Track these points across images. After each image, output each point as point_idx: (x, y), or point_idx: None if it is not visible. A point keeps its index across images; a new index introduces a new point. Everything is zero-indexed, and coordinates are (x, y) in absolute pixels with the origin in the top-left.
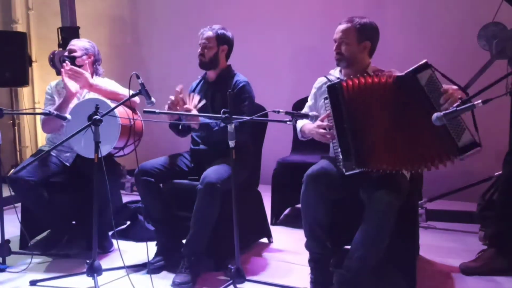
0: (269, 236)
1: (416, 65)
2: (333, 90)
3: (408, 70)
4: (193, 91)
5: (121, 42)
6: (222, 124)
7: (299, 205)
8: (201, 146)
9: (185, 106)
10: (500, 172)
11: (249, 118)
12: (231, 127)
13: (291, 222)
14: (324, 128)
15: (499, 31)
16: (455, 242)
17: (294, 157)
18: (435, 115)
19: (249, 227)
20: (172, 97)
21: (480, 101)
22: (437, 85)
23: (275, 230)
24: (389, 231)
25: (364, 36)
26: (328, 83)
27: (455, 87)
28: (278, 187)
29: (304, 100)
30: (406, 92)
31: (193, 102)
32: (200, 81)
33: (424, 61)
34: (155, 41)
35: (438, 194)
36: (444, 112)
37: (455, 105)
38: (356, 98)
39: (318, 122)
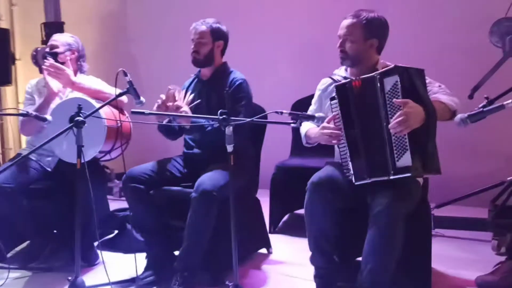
0: (268, 246)
1: (385, 68)
2: (343, 91)
3: (377, 71)
4: (186, 90)
5: (109, 39)
6: (216, 125)
7: (298, 211)
8: (195, 150)
9: (175, 103)
10: None
11: (249, 119)
12: (229, 130)
13: (291, 229)
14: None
15: None
16: (466, 252)
17: (294, 160)
18: (458, 116)
19: (247, 237)
20: (163, 96)
21: (510, 101)
22: (398, 95)
23: (274, 239)
24: (399, 239)
25: (371, 33)
26: (336, 83)
27: (411, 109)
28: (277, 192)
29: (304, 100)
30: (371, 94)
31: (186, 100)
32: (193, 79)
33: (392, 65)
34: (145, 37)
35: (445, 199)
36: (469, 113)
37: (480, 105)
38: (367, 100)
39: (324, 124)
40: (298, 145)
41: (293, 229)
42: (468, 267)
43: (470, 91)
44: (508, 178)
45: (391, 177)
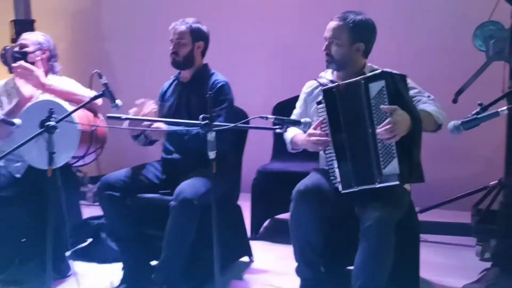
0: (250, 254)
1: (371, 73)
2: (330, 95)
3: (362, 76)
4: (165, 93)
5: (83, 37)
6: (194, 131)
7: (279, 216)
8: (175, 155)
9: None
10: (496, 181)
11: (233, 125)
12: (211, 136)
13: (272, 235)
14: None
15: (496, 30)
16: (450, 258)
17: (275, 165)
18: (452, 123)
19: (228, 246)
20: (133, 110)
21: (505, 108)
22: (384, 101)
23: (255, 246)
24: (390, 253)
25: (358, 36)
26: (324, 87)
27: (397, 115)
28: (258, 198)
29: (286, 102)
30: (356, 99)
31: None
32: (172, 81)
33: (380, 70)
34: (121, 35)
35: (427, 204)
36: (463, 120)
37: (474, 111)
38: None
39: (310, 130)
40: (279, 149)
41: (275, 235)
42: (454, 274)
43: (454, 95)
44: (491, 183)
45: (378, 185)
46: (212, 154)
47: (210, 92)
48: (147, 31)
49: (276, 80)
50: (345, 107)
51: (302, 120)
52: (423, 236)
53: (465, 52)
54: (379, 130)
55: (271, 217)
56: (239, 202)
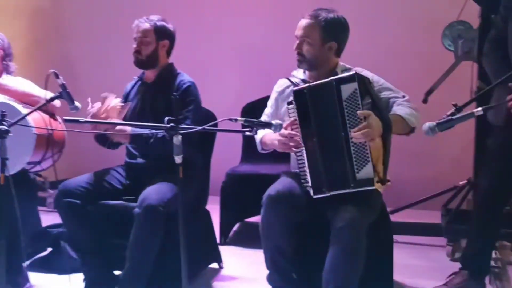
0: (219, 261)
1: (343, 75)
2: (300, 96)
3: (333, 77)
4: (128, 94)
5: (41, 36)
6: (159, 134)
7: (249, 219)
8: (139, 160)
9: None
10: (465, 181)
11: (200, 128)
12: (177, 139)
13: (242, 240)
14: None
15: (465, 30)
16: (421, 259)
17: (245, 167)
18: (426, 124)
19: (196, 253)
20: (97, 105)
21: (480, 108)
22: (357, 104)
23: (225, 252)
24: (362, 255)
25: (330, 35)
26: (295, 87)
27: (372, 119)
28: (228, 201)
29: (255, 103)
30: (328, 101)
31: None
32: (136, 82)
33: (352, 72)
34: (82, 35)
35: (398, 205)
36: (438, 121)
37: (449, 112)
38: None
39: (282, 131)
40: (249, 151)
41: (245, 239)
42: (425, 275)
43: (423, 95)
44: (460, 183)
45: (352, 190)
46: (178, 159)
47: (175, 94)
48: (111, 30)
49: (246, 80)
50: (316, 109)
51: (273, 122)
52: (394, 237)
53: (435, 52)
54: (354, 133)
55: (241, 221)
56: (208, 206)
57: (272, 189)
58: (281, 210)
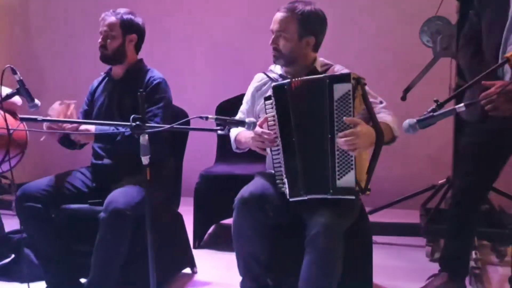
0: (192, 265)
1: (338, 73)
2: (280, 92)
3: (326, 75)
4: (95, 91)
5: (8, 34)
6: (127, 132)
7: (224, 221)
8: (105, 161)
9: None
10: (443, 180)
11: (168, 126)
12: (144, 139)
13: (217, 243)
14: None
15: (443, 26)
16: (401, 260)
17: (220, 167)
18: (407, 122)
19: (168, 258)
20: (56, 106)
21: (462, 104)
22: (349, 107)
23: (199, 256)
24: (339, 262)
25: (307, 29)
26: (274, 83)
27: (361, 128)
28: (202, 203)
29: (230, 101)
30: (316, 99)
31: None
32: (103, 78)
33: (348, 71)
34: (51, 32)
35: (376, 205)
36: (418, 118)
37: (429, 109)
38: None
39: (256, 129)
40: (224, 150)
41: (220, 242)
42: (405, 277)
43: (402, 93)
44: (439, 182)
45: (329, 197)
46: (145, 160)
47: (141, 90)
48: (78, 26)
49: (220, 77)
50: (299, 106)
51: (247, 120)
52: (373, 238)
53: (412, 49)
54: (338, 139)
55: (216, 223)
56: (182, 208)
57: (244, 191)
58: (253, 213)
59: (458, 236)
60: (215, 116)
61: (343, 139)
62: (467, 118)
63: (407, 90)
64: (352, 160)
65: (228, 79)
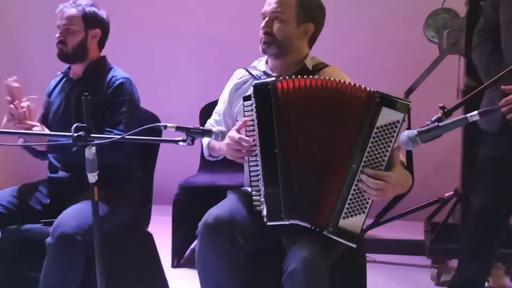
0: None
1: (393, 96)
2: (263, 93)
3: (377, 91)
4: (51, 93)
5: None
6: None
7: None
8: (61, 173)
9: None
10: (451, 193)
11: (119, 137)
12: (90, 152)
13: None
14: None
15: (450, 19)
16: (402, 283)
17: (202, 177)
18: (405, 134)
19: (136, 283)
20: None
21: (475, 112)
22: (389, 140)
23: (177, 276)
24: None
25: (307, 15)
26: (255, 81)
27: (398, 175)
28: (181, 218)
29: (215, 104)
30: (348, 116)
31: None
32: (61, 78)
33: (407, 101)
34: (33, 29)
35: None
36: (420, 129)
37: (434, 118)
38: (299, 110)
39: (232, 133)
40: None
41: None
42: None
43: (403, 95)
44: (446, 194)
45: (326, 234)
46: (92, 177)
47: (85, 94)
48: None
49: (206, 78)
50: (288, 112)
51: (214, 129)
52: (371, 256)
53: (416, 45)
54: (366, 176)
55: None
56: (161, 222)
57: (209, 215)
58: (220, 242)
59: (474, 262)
60: (174, 125)
61: (372, 180)
62: (485, 128)
63: (409, 91)
64: (367, 203)
65: (214, 79)
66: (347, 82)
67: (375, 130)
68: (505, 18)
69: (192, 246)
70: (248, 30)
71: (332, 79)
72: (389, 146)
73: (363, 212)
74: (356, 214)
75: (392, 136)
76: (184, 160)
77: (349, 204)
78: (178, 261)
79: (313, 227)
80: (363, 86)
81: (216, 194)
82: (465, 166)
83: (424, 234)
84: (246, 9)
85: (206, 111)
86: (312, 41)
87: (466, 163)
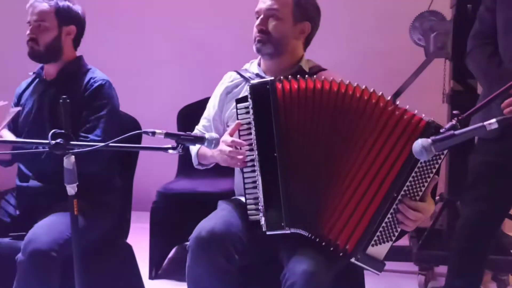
0: None
1: (445, 128)
2: (261, 93)
3: (431, 120)
4: (21, 95)
5: None
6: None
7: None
8: (32, 183)
9: None
10: (437, 198)
11: (102, 144)
12: (69, 161)
13: (176, 271)
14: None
15: (437, 22)
16: None
17: (180, 183)
18: (419, 142)
19: None
20: None
21: (494, 120)
22: (430, 172)
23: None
24: None
25: (304, 13)
26: (252, 81)
27: (430, 206)
28: (159, 227)
29: (194, 106)
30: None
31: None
32: (33, 79)
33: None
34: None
35: None
36: (434, 138)
37: (448, 125)
38: (303, 113)
39: (226, 137)
40: (186, 163)
41: (180, 269)
42: None
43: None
44: None
45: (352, 260)
46: (71, 189)
47: (64, 97)
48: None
49: (184, 78)
50: (285, 115)
51: (207, 135)
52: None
53: (402, 48)
54: (405, 207)
55: (177, 245)
56: (138, 230)
57: (201, 228)
58: (213, 258)
59: (465, 274)
60: (164, 131)
61: (413, 212)
62: (482, 134)
63: (395, 95)
64: (397, 232)
65: (194, 81)
66: (370, 90)
67: (418, 165)
68: (502, 22)
69: (170, 255)
70: (226, 32)
71: (352, 84)
72: (429, 177)
73: (391, 240)
74: (384, 242)
75: (434, 167)
76: (162, 164)
77: (380, 232)
78: (156, 272)
79: (313, 237)
80: (397, 102)
81: (197, 201)
82: (451, 170)
83: (409, 240)
84: (224, 10)
85: (185, 114)
86: (307, 42)
87: (452, 167)
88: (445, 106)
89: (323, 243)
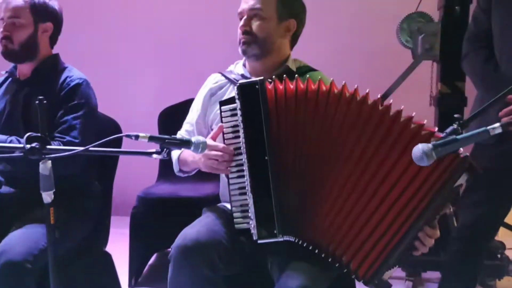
0: None
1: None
2: (250, 93)
3: (466, 155)
4: None
5: None
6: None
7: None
8: (5, 189)
9: None
10: None
11: (82, 149)
12: (45, 167)
13: (157, 279)
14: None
15: (425, 24)
16: None
17: (161, 188)
18: (420, 147)
19: None
20: None
21: (498, 124)
22: (448, 200)
23: None
24: None
25: (288, 10)
26: (240, 81)
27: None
28: (139, 233)
29: (175, 108)
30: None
31: None
32: (6, 79)
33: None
34: None
35: None
36: (434, 143)
37: (449, 129)
38: (293, 115)
39: (209, 141)
40: (167, 167)
41: (161, 277)
42: None
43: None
44: None
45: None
46: (47, 196)
47: (41, 98)
48: None
49: (165, 78)
50: (277, 117)
51: (193, 139)
52: None
53: (389, 50)
54: (425, 235)
55: (157, 251)
56: (118, 235)
57: (184, 237)
58: (197, 268)
59: (459, 278)
60: (148, 135)
61: (429, 240)
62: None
63: (384, 97)
64: (409, 256)
65: (175, 82)
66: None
67: (454, 189)
68: (498, 24)
69: (151, 262)
70: (210, 33)
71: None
72: (446, 206)
73: (401, 263)
74: (393, 267)
75: (456, 198)
76: (142, 168)
77: (397, 257)
78: (136, 280)
79: (305, 244)
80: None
81: (178, 206)
82: None
83: None
84: (206, 10)
85: (166, 116)
86: (293, 40)
87: None
88: (432, 109)
89: (316, 250)
